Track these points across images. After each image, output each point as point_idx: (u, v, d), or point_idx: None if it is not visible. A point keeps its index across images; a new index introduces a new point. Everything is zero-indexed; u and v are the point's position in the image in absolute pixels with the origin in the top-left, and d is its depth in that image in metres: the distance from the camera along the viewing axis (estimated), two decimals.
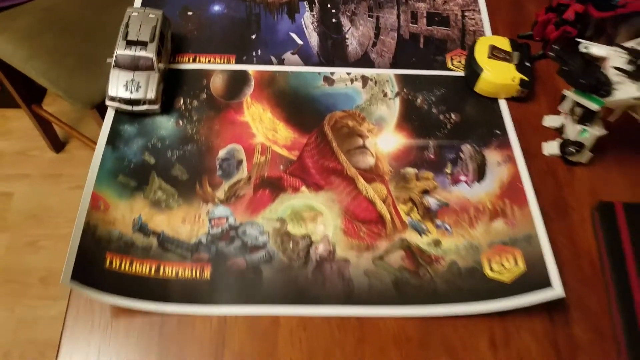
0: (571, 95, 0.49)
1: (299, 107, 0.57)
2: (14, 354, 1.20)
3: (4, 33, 0.99)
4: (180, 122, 0.55)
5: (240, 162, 0.53)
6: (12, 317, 1.26)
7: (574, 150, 0.53)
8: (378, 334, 0.46)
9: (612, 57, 0.47)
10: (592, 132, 0.51)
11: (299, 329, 0.45)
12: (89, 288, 0.43)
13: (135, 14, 0.56)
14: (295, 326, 0.45)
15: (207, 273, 0.47)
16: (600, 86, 0.45)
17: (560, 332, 0.46)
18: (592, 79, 0.45)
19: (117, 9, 0.99)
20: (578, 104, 0.51)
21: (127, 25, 0.55)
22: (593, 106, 0.47)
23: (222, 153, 0.54)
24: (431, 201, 0.52)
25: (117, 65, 0.54)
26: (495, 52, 0.58)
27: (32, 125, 1.43)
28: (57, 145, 1.48)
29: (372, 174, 0.53)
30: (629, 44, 0.46)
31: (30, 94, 1.29)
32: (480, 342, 0.45)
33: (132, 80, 0.53)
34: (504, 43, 0.59)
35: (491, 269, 0.48)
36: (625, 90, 0.45)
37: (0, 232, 1.37)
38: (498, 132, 0.56)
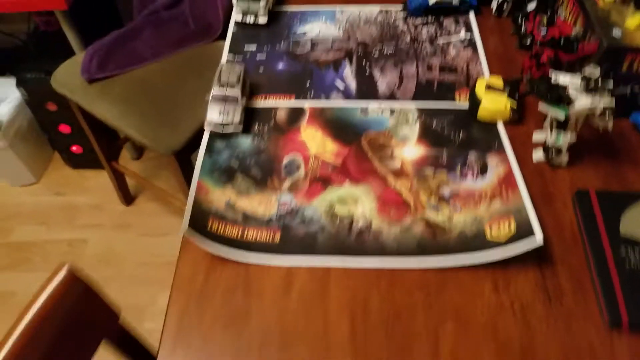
0: (543, 107, 0.66)
1: (342, 130, 0.76)
2: None
3: (102, 97, 1.25)
4: (256, 140, 0.75)
5: (299, 166, 0.72)
6: None
7: (553, 154, 0.69)
8: (405, 280, 0.60)
9: (572, 80, 0.65)
10: (565, 139, 0.68)
11: (345, 276, 0.61)
12: (198, 235, 0.61)
13: (225, 66, 0.79)
14: (342, 274, 0.61)
15: (277, 238, 0.64)
16: (561, 98, 0.63)
17: (549, 281, 0.60)
18: (555, 94, 0.63)
19: (191, 80, 1.25)
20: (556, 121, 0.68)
21: (220, 72, 0.77)
22: (559, 115, 0.64)
23: (286, 161, 0.72)
24: (445, 191, 0.68)
25: (213, 99, 0.75)
26: (491, 87, 0.76)
27: (106, 183, 1.68)
28: (128, 199, 1.71)
29: (399, 173, 0.71)
30: (585, 70, 0.64)
31: (110, 152, 1.55)
32: (485, 288, 0.59)
33: (224, 110, 0.74)
34: (498, 80, 0.77)
35: (491, 234, 0.63)
36: (580, 102, 0.63)
37: None
38: (496, 144, 0.73)
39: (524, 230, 0.61)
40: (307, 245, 0.63)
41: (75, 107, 1.37)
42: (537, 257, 0.61)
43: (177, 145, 1.17)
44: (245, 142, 0.75)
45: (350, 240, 0.64)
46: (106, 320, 0.55)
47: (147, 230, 1.64)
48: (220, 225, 0.64)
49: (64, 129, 1.70)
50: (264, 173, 0.71)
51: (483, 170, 0.70)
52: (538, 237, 0.59)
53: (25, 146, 1.72)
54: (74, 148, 1.76)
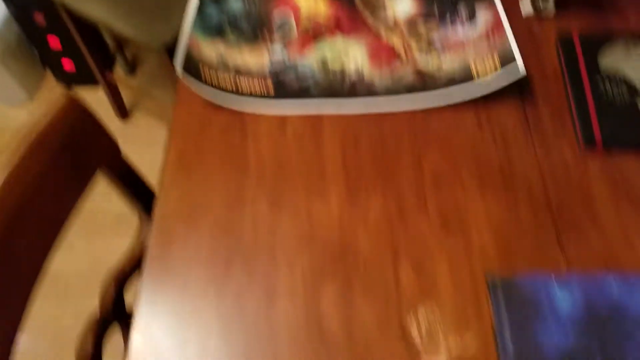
0: None
1: None
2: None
3: None
4: (246, 1, 0.75)
5: (290, 21, 0.73)
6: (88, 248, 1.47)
7: (540, 3, 0.70)
8: (394, 120, 0.63)
9: None
10: None
11: (336, 121, 0.63)
12: (193, 80, 0.63)
13: None
14: (334, 119, 0.64)
15: (271, 90, 0.66)
16: None
17: (530, 112, 0.63)
18: None
19: None
20: None
21: None
22: None
23: (277, 16, 0.73)
24: (435, 40, 0.70)
25: None
26: None
27: (101, 100, 1.68)
28: (124, 113, 1.72)
29: (392, 28, 0.72)
30: None
31: (103, 63, 1.54)
32: (468, 120, 0.62)
33: None
34: None
35: (477, 72, 0.65)
36: None
37: None
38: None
39: (507, 63, 0.64)
40: (301, 97, 0.65)
41: (63, 12, 1.35)
42: (519, 93, 0.64)
43: (169, 38, 1.17)
44: (236, 4, 0.75)
45: (342, 90, 0.66)
46: (106, 151, 0.58)
47: (145, 142, 1.66)
48: (214, 77, 0.66)
49: (54, 43, 1.67)
50: (254, 28, 0.72)
51: (472, 18, 0.71)
52: (520, 66, 0.62)
53: (15, 63, 1.70)
54: (65, 64, 1.74)
